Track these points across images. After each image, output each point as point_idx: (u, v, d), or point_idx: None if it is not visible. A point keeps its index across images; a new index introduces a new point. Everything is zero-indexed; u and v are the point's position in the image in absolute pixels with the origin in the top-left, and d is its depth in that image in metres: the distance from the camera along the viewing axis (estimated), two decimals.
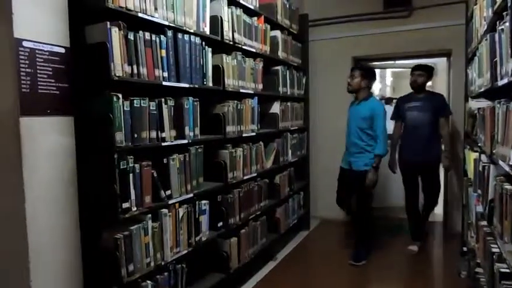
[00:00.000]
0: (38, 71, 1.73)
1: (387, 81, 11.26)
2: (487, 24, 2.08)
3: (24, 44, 1.67)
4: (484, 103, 2.43)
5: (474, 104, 2.81)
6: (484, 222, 2.17)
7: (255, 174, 3.18)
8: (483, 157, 2.30)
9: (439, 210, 4.68)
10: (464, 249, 3.21)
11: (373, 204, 3.64)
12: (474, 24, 2.84)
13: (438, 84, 5.12)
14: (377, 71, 9.19)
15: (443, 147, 3.66)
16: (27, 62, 1.68)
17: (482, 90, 2.29)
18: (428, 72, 3.63)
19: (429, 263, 3.48)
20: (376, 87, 10.57)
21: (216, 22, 2.62)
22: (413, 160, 3.60)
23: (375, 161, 3.30)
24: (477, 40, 2.60)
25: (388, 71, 10.57)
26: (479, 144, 2.47)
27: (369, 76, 3.44)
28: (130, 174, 1.95)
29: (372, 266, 3.39)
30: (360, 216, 3.47)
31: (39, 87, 1.73)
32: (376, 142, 3.32)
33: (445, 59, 4.57)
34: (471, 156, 2.82)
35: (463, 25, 3.69)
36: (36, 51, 1.72)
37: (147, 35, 2.04)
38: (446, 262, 3.50)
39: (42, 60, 1.74)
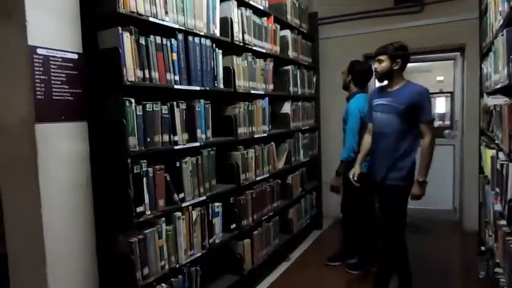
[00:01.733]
0: (52, 78, 1.74)
1: None
2: (503, 19, 2.03)
3: (38, 51, 1.68)
4: (501, 99, 2.38)
5: (490, 101, 2.75)
6: (503, 222, 2.12)
7: (267, 175, 3.17)
8: (501, 155, 2.25)
9: (449, 207, 4.62)
10: (482, 248, 3.15)
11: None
12: (488, 19, 2.78)
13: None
14: None
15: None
16: (41, 69, 1.69)
17: (498, 86, 2.24)
18: (390, 53, 2.49)
19: (446, 263, 3.42)
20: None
21: (226, 24, 2.62)
22: (372, 176, 2.65)
23: (339, 166, 3.13)
24: (492, 35, 2.54)
25: None
26: (496, 142, 2.42)
27: (353, 73, 3.26)
28: (144, 178, 1.96)
29: None
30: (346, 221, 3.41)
31: (54, 93, 1.75)
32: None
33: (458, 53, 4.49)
34: (487, 153, 2.77)
35: (477, 19, 3.62)
36: (50, 58, 1.73)
37: (158, 39, 2.04)
38: (464, 261, 3.44)
39: (55, 66, 1.76)
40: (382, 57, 2.53)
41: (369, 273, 3.22)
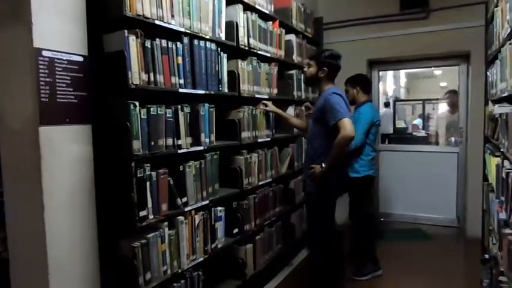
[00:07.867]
0: (57, 80, 1.73)
1: (401, 83, 11.08)
2: (511, 28, 2.02)
3: (44, 53, 1.68)
4: (507, 108, 2.37)
5: (496, 109, 2.73)
6: (508, 230, 2.10)
7: (270, 180, 3.16)
8: (506, 163, 2.23)
9: (452, 214, 4.59)
10: (486, 256, 3.12)
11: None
12: (495, 27, 2.76)
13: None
14: (390, 72, 9.09)
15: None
16: (46, 71, 1.68)
17: (505, 94, 2.23)
18: (318, 60, 2.63)
19: (449, 271, 3.40)
20: (389, 89, 10.46)
21: (231, 28, 2.61)
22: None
23: None
24: (499, 43, 2.52)
25: (402, 72, 10.41)
26: (501, 150, 2.40)
27: (362, 83, 3.31)
28: (147, 182, 1.94)
29: (390, 273, 3.32)
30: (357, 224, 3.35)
31: (58, 96, 1.74)
32: None
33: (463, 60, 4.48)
34: (492, 161, 2.75)
35: (483, 26, 3.61)
36: (55, 60, 1.73)
37: (164, 42, 2.03)
38: (467, 269, 3.42)
39: (61, 69, 1.75)
40: (311, 62, 2.65)
41: (376, 277, 3.23)
